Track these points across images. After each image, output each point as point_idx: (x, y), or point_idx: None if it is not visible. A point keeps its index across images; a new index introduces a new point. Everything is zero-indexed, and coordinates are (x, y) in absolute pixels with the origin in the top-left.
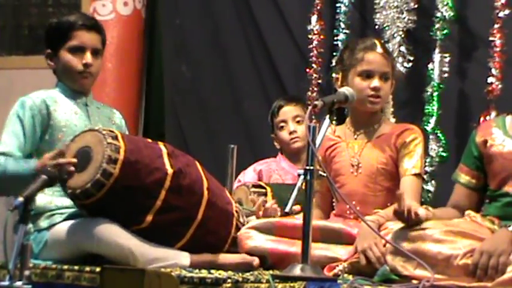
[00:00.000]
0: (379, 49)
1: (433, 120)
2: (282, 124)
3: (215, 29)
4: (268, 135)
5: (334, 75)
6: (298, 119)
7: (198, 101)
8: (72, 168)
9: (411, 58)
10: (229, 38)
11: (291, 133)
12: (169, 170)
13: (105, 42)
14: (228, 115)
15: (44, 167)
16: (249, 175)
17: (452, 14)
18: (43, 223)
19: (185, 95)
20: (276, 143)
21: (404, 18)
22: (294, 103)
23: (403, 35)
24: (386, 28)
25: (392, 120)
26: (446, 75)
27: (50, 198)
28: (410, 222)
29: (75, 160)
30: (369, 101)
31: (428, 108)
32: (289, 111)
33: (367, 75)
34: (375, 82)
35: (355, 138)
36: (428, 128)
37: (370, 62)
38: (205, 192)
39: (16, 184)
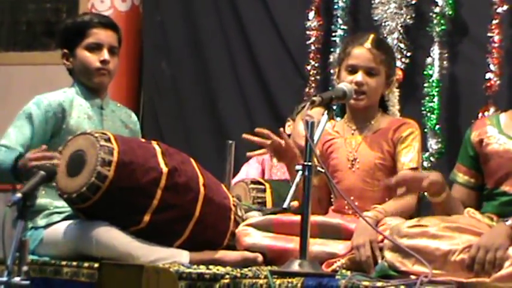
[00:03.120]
0: (368, 44)
1: (434, 116)
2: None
3: (195, 27)
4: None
5: (332, 70)
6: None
7: (176, 99)
8: (57, 161)
9: (409, 54)
10: (209, 37)
11: None
12: (164, 169)
13: (121, 41)
14: (205, 114)
15: (26, 161)
16: (253, 165)
17: (450, 9)
18: (41, 221)
19: (164, 93)
20: (287, 128)
21: (402, 13)
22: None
23: (401, 31)
24: (385, 24)
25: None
26: (445, 71)
27: (50, 199)
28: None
29: (57, 155)
30: (352, 96)
31: (427, 105)
32: (318, 112)
33: (352, 69)
34: (358, 76)
35: (352, 134)
36: (431, 124)
37: (356, 56)
38: (202, 189)
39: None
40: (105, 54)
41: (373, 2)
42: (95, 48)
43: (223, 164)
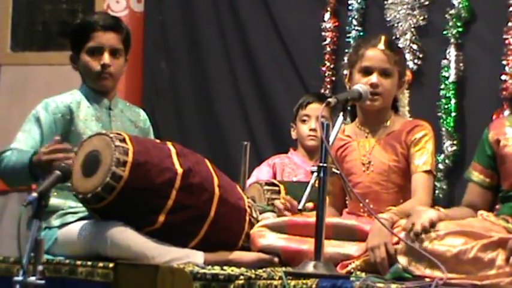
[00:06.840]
0: (381, 45)
1: (451, 118)
2: (304, 118)
3: (195, 28)
4: (240, 137)
5: (344, 72)
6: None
7: (174, 99)
8: (72, 155)
9: (421, 55)
10: (208, 38)
11: (310, 130)
12: (179, 170)
13: (127, 41)
14: (202, 115)
15: (40, 156)
16: (263, 170)
17: (466, 11)
18: (55, 221)
19: (162, 93)
20: (292, 133)
21: (415, 14)
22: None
23: (414, 32)
24: (398, 25)
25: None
26: (461, 73)
27: (64, 200)
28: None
29: (69, 146)
30: (367, 98)
31: (443, 107)
32: (316, 109)
33: (366, 71)
34: (373, 78)
35: (366, 137)
36: (448, 126)
37: (370, 58)
38: (216, 189)
39: (15, 175)
40: (105, 58)
41: (385, 2)
42: (96, 51)
43: (219, 164)
